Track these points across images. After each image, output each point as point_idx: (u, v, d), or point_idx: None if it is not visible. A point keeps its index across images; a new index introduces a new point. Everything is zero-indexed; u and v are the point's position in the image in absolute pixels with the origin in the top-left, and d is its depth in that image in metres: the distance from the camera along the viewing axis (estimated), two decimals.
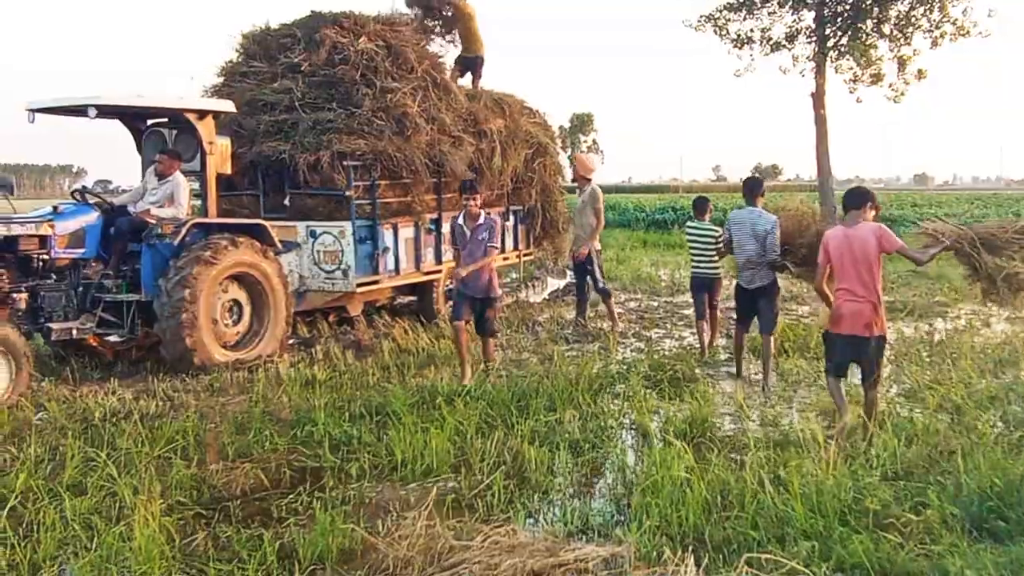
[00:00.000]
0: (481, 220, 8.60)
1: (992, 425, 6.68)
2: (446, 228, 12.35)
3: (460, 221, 8.69)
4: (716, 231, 10.05)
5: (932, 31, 26.97)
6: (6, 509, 5.19)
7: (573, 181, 12.20)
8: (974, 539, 4.76)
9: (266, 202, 11.46)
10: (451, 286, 10.31)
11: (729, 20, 28.74)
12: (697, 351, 10.21)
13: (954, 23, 26.66)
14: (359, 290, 11.23)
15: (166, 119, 10.43)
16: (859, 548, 4.49)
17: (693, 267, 10.56)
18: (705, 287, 10.27)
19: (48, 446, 6.54)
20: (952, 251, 7.15)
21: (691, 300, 10.84)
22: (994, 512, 5.03)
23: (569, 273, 17.31)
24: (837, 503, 5.08)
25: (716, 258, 10.10)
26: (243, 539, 4.91)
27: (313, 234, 11.05)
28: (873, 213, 7.01)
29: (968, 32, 26.63)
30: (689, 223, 11.09)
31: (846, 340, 6.80)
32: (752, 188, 9.32)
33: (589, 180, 11.99)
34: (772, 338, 8.89)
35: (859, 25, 27.34)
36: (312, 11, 12.15)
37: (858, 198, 7.02)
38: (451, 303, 9.02)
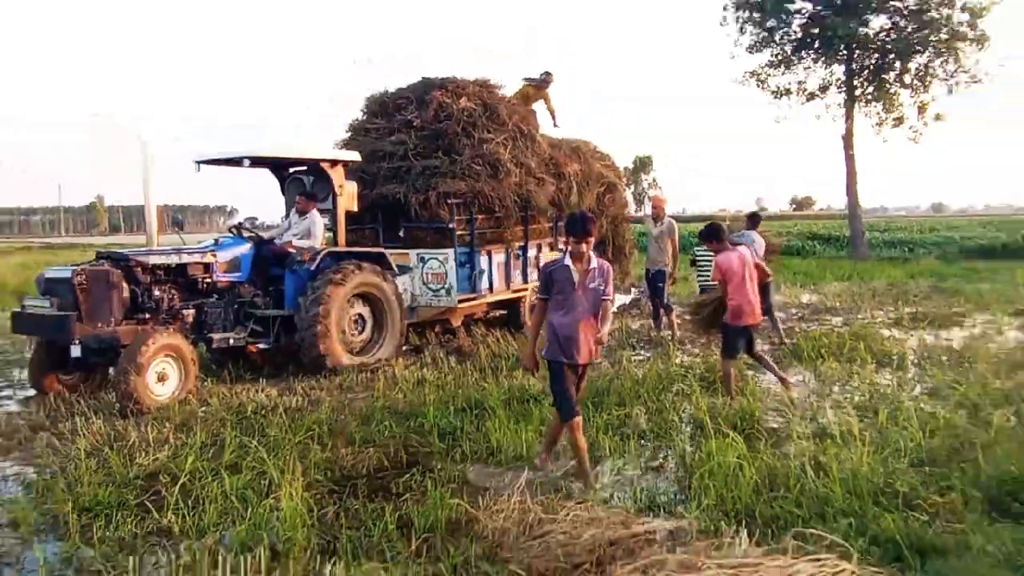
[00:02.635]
0: (594, 264, 5.48)
1: (1007, 420, 6.41)
2: (532, 253, 12.41)
3: (566, 262, 5.48)
4: None
5: (948, 80, 26.38)
6: (178, 485, 5.32)
7: (652, 219, 12.06)
8: (993, 519, 4.63)
9: (384, 234, 11.68)
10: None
11: (770, 75, 28.50)
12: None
13: (967, 72, 26.02)
14: (460, 305, 11.33)
15: (305, 167, 10.65)
16: (891, 525, 4.38)
17: (700, 283, 11.66)
18: None
19: (211, 433, 6.69)
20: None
21: None
22: (1011, 495, 4.89)
23: (634, 291, 17.17)
24: (871, 486, 4.97)
25: None
26: (368, 511, 4.95)
27: (423, 259, 11.18)
28: None
29: (980, 80, 25.95)
30: (697, 248, 11.45)
31: (750, 329, 7.85)
32: (753, 219, 11.18)
33: (663, 215, 11.93)
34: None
35: (884, 76, 26.88)
36: (423, 77, 12.38)
37: (717, 231, 8.15)
38: (555, 395, 5.65)
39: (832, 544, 3.92)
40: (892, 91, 27.07)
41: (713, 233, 8.13)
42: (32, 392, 8.67)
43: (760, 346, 8.76)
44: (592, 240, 5.44)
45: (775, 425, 6.76)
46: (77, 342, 7.81)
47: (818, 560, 3.61)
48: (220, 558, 4.18)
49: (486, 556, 4.22)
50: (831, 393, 7.92)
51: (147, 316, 8.50)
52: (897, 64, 26.62)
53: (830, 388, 8.14)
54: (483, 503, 4.84)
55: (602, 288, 5.49)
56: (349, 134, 12.48)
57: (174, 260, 8.83)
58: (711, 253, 10.59)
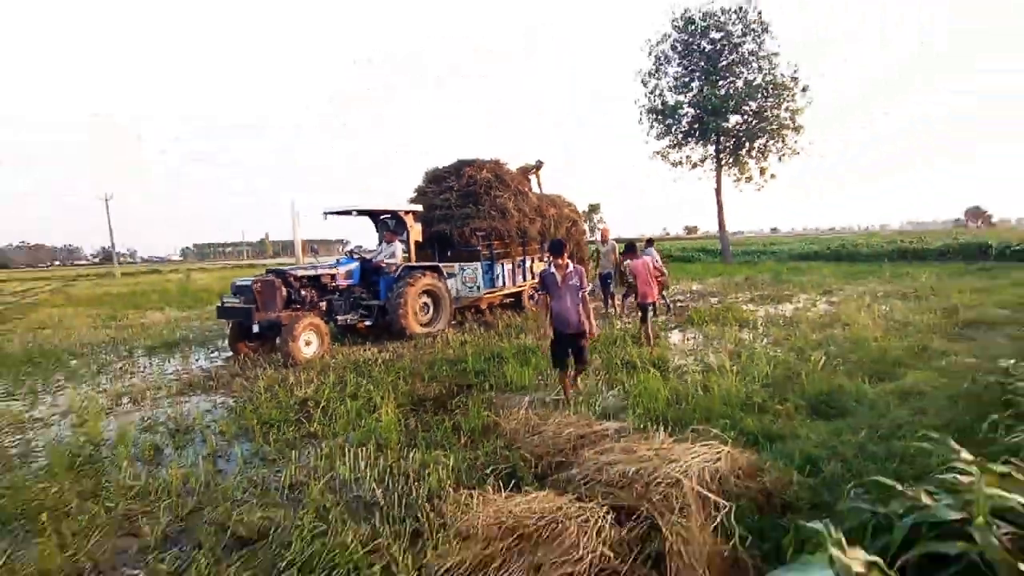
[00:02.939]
0: (570, 268, 5.25)
1: (820, 358, 6.39)
2: (528, 264, 12.36)
3: (551, 271, 5.28)
4: None
5: (779, 153, 26.34)
6: (319, 407, 5.37)
7: (601, 242, 12.01)
8: (813, 418, 4.62)
9: (439, 254, 11.65)
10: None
11: (669, 153, 28.38)
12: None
13: (791, 149, 26.01)
14: (485, 296, 11.28)
15: (390, 215, 10.64)
16: (751, 423, 4.39)
17: (628, 284, 10.84)
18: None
19: (338, 376, 6.71)
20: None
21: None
22: (824, 404, 4.89)
23: (591, 285, 17.11)
24: (737, 400, 4.99)
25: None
26: (434, 421, 4.98)
27: (463, 269, 11.15)
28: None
29: (798, 152, 25.95)
30: (626, 261, 11.08)
31: (653, 304, 7.93)
32: (650, 242, 10.93)
33: (608, 239, 11.92)
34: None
35: (739, 152, 26.79)
36: (459, 159, 12.34)
37: (633, 247, 8.60)
38: (552, 353, 5.46)
39: (715, 435, 3.94)
40: (744, 161, 26.94)
41: (630, 249, 8.66)
42: (230, 353, 8.70)
43: (654, 316, 8.77)
44: (565, 256, 5.27)
45: (679, 364, 6.76)
46: (256, 323, 7.87)
47: (707, 444, 3.63)
48: (346, 450, 4.23)
49: (506, 446, 4.26)
50: (712, 344, 7.91)
51: (298, 306, 8.52)
52: (747, 144, 26.50)
53: (711, 341, 8.13)
54: (503, 414, 4.89)
55: (578, 284, 5.22)
56: (415, 194, 12.46)
57: (312, 272, 8.83)
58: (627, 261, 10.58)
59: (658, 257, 10.21)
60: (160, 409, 5.87)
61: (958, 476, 2.56)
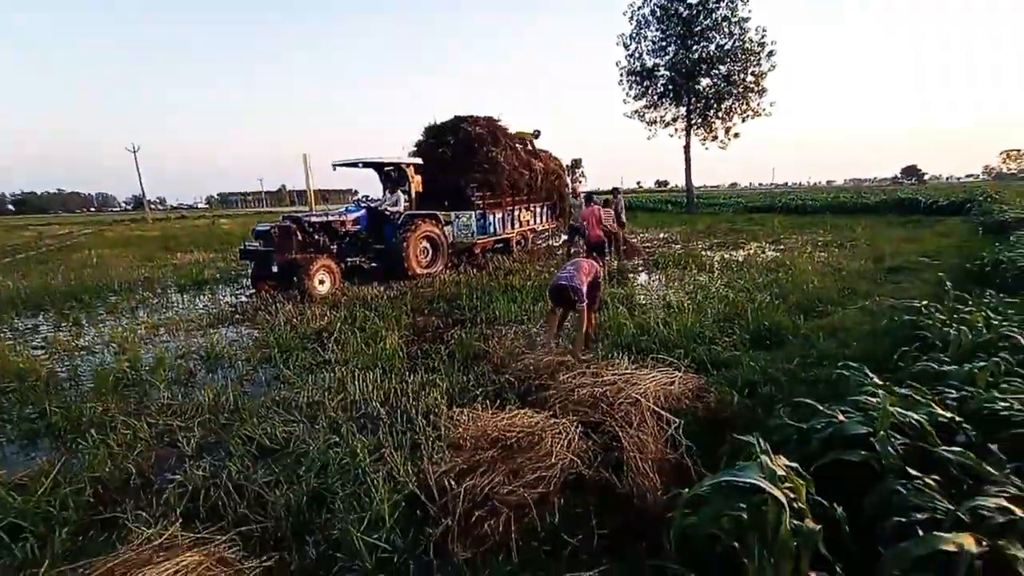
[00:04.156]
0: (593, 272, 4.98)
1: (764, 297, 6.47)
2: (516, 213, 12.15)
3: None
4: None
5: (743, 114, 25.65)
6: (332, 337, 5.39)
7: (572, 196, 11.79)
8: (755, 348, 4.71)
9: (437, 203, 11.41)
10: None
11: (645, 113, 27.55)
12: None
13: (755, 110, 25.31)
14: (478, 241, 11.17)
15: (393, 167, 10.34)
16: (702, 352, 4.46)
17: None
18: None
19: (348, 311, 6.67)
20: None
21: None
22: (764, 337, 4.97)
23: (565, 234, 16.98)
24: (692, 333, 5.03)
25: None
26: (432, 349, 5.01)
27: (458, 217, 10.99)
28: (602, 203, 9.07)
29: (760, 114, 25.25)
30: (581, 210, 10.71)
31: (601, 244, 8.66)
32: (615, 191, 10.72)
33: (577, 194, 11.71)
34: None
35: (707, 113, 26.04)
36: (456, 115, 11.86)
37: (590, 198, 8.97)
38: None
39: (671, 363, 4.03)
40: (712, 121, 26.26)
41: (588, 199, 9.14)
42: (252, 290, 8.62)
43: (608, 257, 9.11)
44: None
45: (644, 302, 6.82)
46: (275, 264, 7.75)
47: (663, 370, 3.72)
48: (355, 374, 4.28)
49: (493, 370, 4.31)
50: (673, 285, 7.97)
51: (312, 249, 8.36)
52: (715, 105, 25.73)
53: (673, 282, 8.18)
54: (492, 344, 4.92)
55: (586, 282, 4.64)
56: (416, 148, 12.06)
57: (324, 219, 8.64)
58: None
59: (622, 205, 10.11)
60: (192, 339, 5.84)
61: (868, 398, 2.67)
